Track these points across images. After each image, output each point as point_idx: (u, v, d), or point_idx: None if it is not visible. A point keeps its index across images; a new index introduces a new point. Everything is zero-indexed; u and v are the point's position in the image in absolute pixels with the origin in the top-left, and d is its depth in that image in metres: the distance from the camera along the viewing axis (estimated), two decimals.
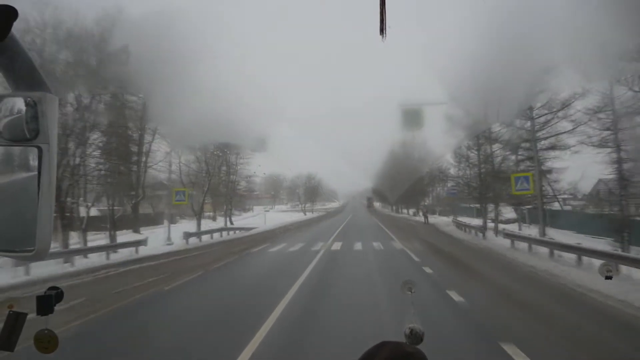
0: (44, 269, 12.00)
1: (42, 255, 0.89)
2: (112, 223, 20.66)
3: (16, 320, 1.38)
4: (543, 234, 18.46)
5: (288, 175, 64.59)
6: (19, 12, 0.77)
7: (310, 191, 65.49)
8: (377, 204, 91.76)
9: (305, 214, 56.48)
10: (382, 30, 1.36)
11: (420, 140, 41.91)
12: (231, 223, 40.65)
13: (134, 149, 23.68)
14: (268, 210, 67.36)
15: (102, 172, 19.94)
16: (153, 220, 33.19)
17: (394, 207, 65.19)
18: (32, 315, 1.44)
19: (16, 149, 0.91)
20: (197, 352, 5.72)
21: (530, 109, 20.40)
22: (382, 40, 1.38)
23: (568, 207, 23.88)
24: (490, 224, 23.42)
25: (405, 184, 41.83)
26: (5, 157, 0.94)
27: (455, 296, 8.47)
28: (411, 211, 52.97)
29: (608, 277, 2.05)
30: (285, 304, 8.19)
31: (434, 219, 38.00)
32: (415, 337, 1.63)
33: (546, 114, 20.37)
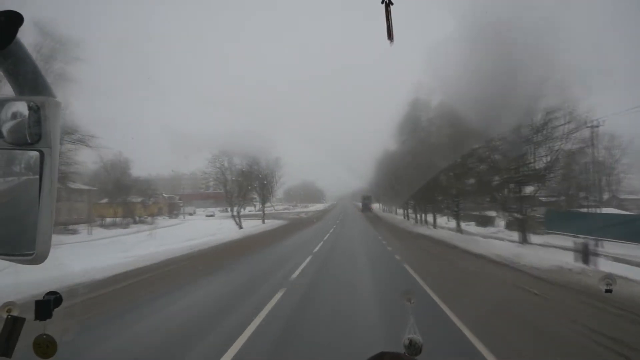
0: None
1: (41, 259, 0.89)
2: None
3: (14, 325, 1.38)
4: None
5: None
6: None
7: (261, 183, 38.68)
8: (375, 206, 65.63)
9: (241, 227, 33.73)
10: (390, 34, 1.37)
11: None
12: None
13: None
14: (212, 215, 50.32)
15: None
16: None
17: (416, 214, 37.90)
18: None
19: (18, 153, 0.92)
20: None
21: None
22: (390, 45, 1.40)
23: None
24: None
25: (443, 160, 23.08)
26: (8, 161, 0.95)
27: None
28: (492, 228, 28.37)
29: (608, 291, 2.04)
30: None
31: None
32: (414, 348, 1.63)
33: None
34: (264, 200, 40.74)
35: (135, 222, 39.70)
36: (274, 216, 47.17)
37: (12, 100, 0.89)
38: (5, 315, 1.41)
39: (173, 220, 45.91)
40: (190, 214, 53.55)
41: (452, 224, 31.12)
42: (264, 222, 38.99)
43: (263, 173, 39.05)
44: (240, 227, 34.11)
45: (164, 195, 52.27)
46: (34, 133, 0.86)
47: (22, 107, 0.88)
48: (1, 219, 0.94)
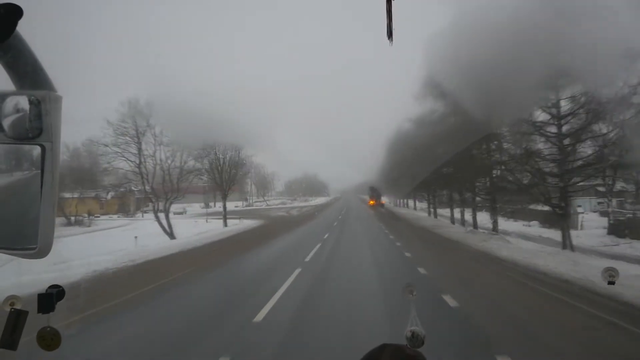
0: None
1: (44, 253, 0.89)
2: None
3: (17, 319, 1.39)
4: None
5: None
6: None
7: (213, 168, 28.99)
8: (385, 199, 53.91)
9: (173, 237, 23.91)
10: (390, 34, 1.36)
11: None
12: None
13: None
14: (181, 213, 40.66)
15: None
16: None
17: (453, 210, 27.42)
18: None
19: (20, 147, 0.92)
20: None
21: None
22: (390, 44, 1.39)
23: None
24: None
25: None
26: (9, 155, 0.95)
27: None
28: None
29: (611, 283, 2.04)
30: None
31: None
32: (417, 340, 1.63)
33: None
34: (226, 193, 30.82)
35: (69, 224, 32.37)
36: (258, 213, 38.47)
37: (13, 94, 0.89)
38: (8, 309, 1.42)
39: (122, 221, 37.30)
40: (161, 211, 45.21)
41: (501, 224, 22.05)
42: (226, 225, 29.08)
43: (218, 155, 29.31)
44: (172, 237, 23.75)
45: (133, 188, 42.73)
46: (35, 127, 0.86)
47: (22, 101, 0.87)
48: (3, 213, 0.95)
